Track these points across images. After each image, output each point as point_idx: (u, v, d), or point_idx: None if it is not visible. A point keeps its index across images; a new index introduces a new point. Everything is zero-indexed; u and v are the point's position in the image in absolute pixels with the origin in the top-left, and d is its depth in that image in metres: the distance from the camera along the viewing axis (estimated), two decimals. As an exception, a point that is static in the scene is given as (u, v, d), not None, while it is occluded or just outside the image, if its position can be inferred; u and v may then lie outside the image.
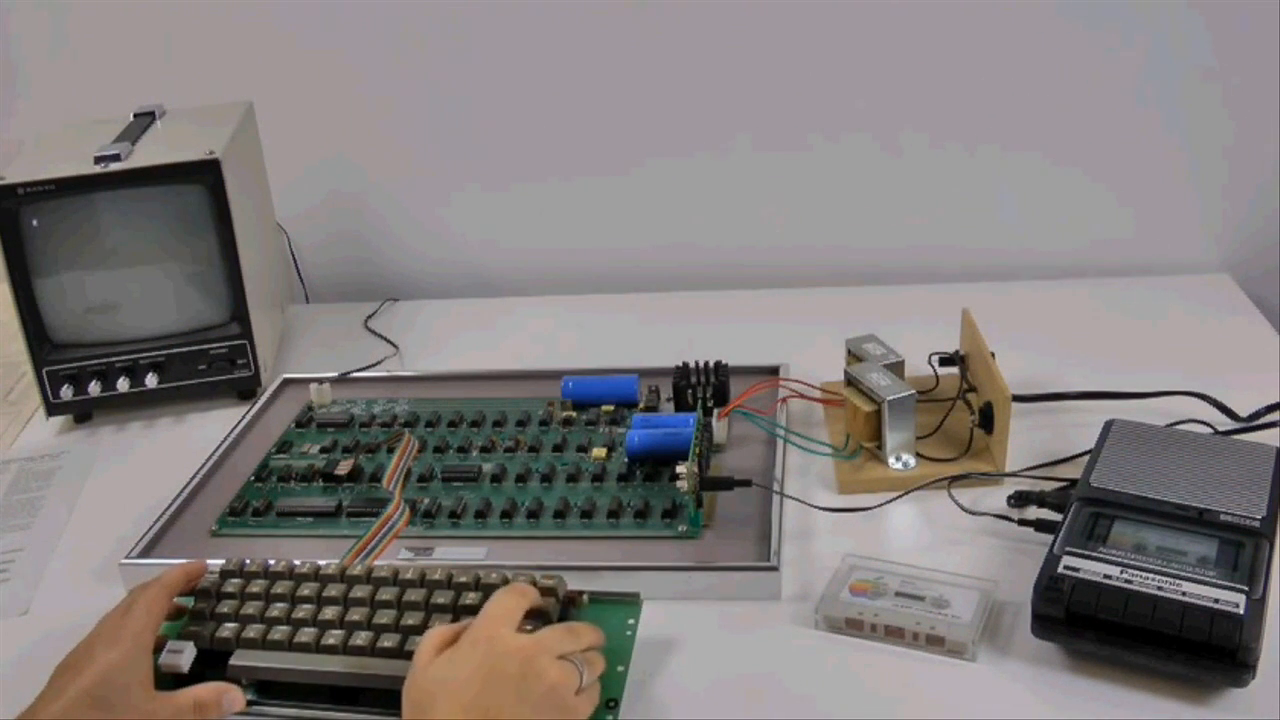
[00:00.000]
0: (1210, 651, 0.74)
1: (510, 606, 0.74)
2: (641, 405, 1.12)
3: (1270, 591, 0.77)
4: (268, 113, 1.32)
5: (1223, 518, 0.82)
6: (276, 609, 0.82)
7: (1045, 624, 0.79)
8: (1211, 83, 1.29)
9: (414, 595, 0.81)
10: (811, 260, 1.41)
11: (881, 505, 0.96)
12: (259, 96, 1.32)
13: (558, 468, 1.02)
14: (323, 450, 1.09)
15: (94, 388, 1.17)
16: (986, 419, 1.00)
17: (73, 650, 0.76)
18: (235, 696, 0.77)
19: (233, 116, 1.25)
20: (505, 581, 0.81)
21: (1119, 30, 1.28)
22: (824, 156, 1.37)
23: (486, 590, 0.80)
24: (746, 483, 0.95)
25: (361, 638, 0.79)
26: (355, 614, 0.80)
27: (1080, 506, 0.85)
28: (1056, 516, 0.87)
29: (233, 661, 0.80)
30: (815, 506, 0.95)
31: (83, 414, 1.21)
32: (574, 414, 1.11)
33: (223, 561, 0.86)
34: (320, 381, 1.18)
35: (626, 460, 1.02)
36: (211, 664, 0.81)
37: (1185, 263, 1.36)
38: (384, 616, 0.80)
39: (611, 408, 1.11)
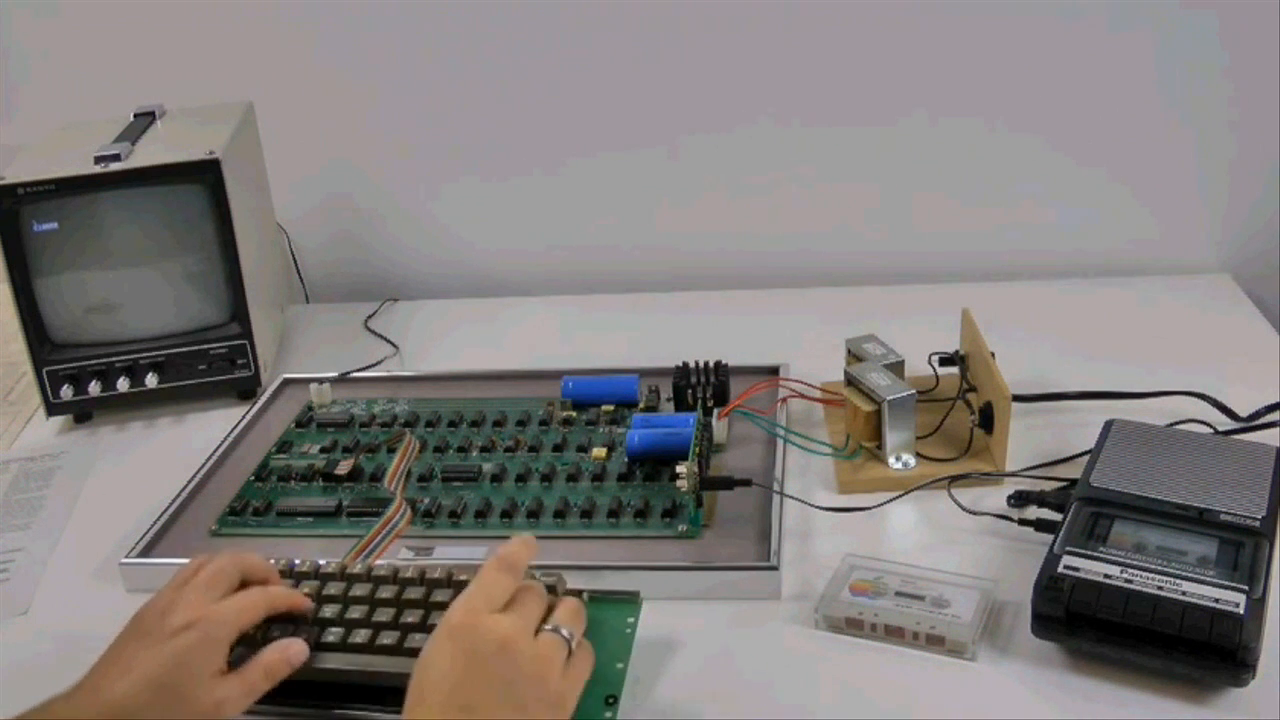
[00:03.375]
0: (1210, 651, 0.74)
1: (490, 585, 0.71)
2: (641, 405, 1.12)
3: (1270, 591, 0.77)
4: (268, 113, 1.32)
5: (1223, 518, 0.82)
6: (276, 608, 0.82)
7: (1045, 623, 0.79)
8: (1213, 83, 1.29)
9: (413, 594, 0.81)
10: (811, 260, 1.41)
11: (881, 505, 0.96)
12: (259, 96, 1.32)
13: (558, 468, 1.02)
14: (323, 450, 1.09)
15: (94, 388, 1.17)
16: (986, 419, 1.00)
17: (153, 601, 0.75)
18: (299, 648, 0.77)
19: (233, 116, 1.25)
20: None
21: (1122, 32, 1.28)
22: (824, 156, 1.37)
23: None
24: (746, 483, 0.95)
25: (361, 635, 0.79)
26: (354, 612, 0.80)
27: (1080, 506, 0.85)
28: (1056, 516, 0.87)
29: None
30: (815, 506, 0.95)
31: (83, 414, 1.21)
32: (574, 414, 1.11)
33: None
34: (320, 381, 1.18)
35: (626, 460, 1.02)
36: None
37: (1185, 263, 1.36)
38: (383, 614, 0.80)
39: (611, 408, 1.11)
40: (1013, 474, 0.98)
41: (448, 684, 0.66)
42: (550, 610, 0.73)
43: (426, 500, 0.99)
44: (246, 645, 0.77)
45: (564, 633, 0.71)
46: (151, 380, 1.19)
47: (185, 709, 0.71)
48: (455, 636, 0.68)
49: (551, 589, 0.80)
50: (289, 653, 0.76)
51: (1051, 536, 0.84)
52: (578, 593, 0.82)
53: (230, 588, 0.78)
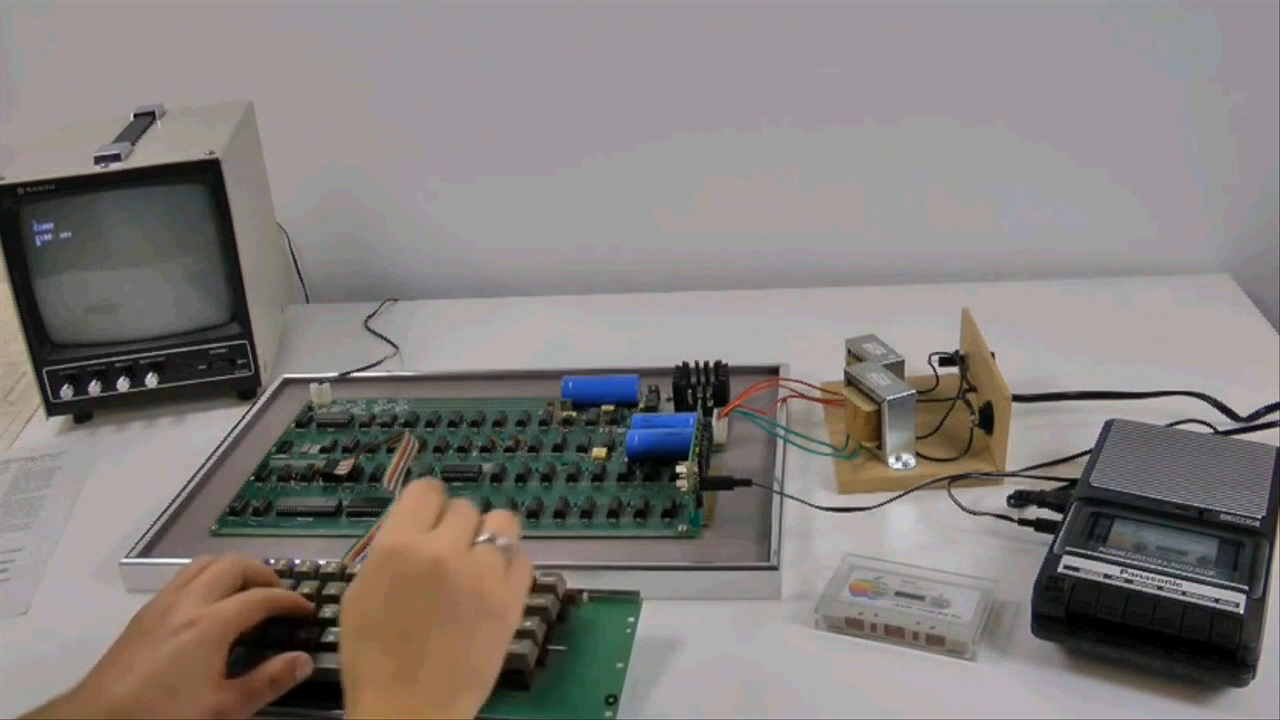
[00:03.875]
0: (1210, 651, 0.74)
1: (416, 504, 0.69)
2: (641, 405, 1.12)
3: (1270, 591, 0.77)
4: (268, 113, 1.32)
5: (1223, 518, 0.82)
6: (276, 608, 0.82)
7: (1045, 623, 0.79)
8: (1213, 83, 1.29)
9: (414, 595, 0.81)
10: (811, 260, 1.41)
11: (881, 505, 0.96)
12: (259, 96, 1.32)
13: (558, 468, 1.02)
14: (323, 450, 1.09)
15: (94, 388, 1.17)
16: (986, 419, 1.00)
17: (154, 602, 0.75)
18: (304, 662, 0.76)
19: (233, 116, 1.25)
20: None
21: (1123, 32, 1.28)
22: (824, 156, 1.37)
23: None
24: (746, 482, 0.95)
25: (361, 636, 0.79)
26: (355, 613, 0.80)
27: (1080, 506, 0.85)
28: (1056, 516, 0.87)
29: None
30: (815, 506, 0.95)
31: (83, 414, 1.21)
32: (574, 414, 1.11)
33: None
34: (320, 381, 1.18)
35: (626, 460, 1.02)
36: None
37: (1185, 263, 1.36)
38: (384, 616, 0.80)
39: (611, 408, 1.11)
40: (1013, 474, 0.98)
41: (383, 612, 0.65)
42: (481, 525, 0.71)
43: (426, 500, 0.99)
44: (247, 646, 0.77)
45: (500, 542, 0.69)
46: (151, 380, 1.19)
47: (185, 708, 0.71)
48: (387, 561, 0.66)
49: (551, 590, 0.80)
50: (295, 665, 0.76)
51: (1051, 536, 0.84)
52: (578, 592, 0.82)
53: (231, 589, 0.78)
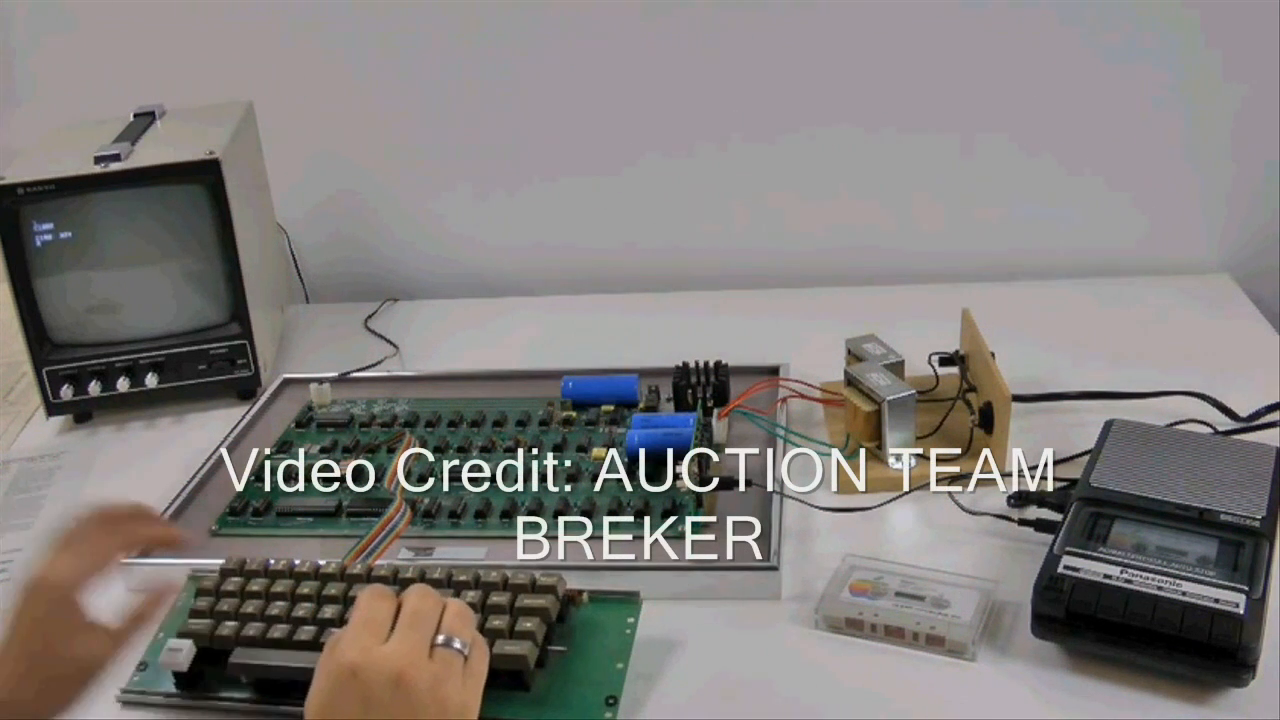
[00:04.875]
0: (1210, 651, 0.74)
1: (370, 614, 0.68)
2: (641, 405, 1.12)
3: (1270, 591, 0.77)
4: (268, 113, 1.32)
5: (1223, 518, 0.82)
6: (276, 607, 0.82)
7: (1045, 624, 0.79)
8: (1212, 83, 1.29)
9: (414, 595, 0.81)
10: (811, 260, 1.41)
11: (881, 505, 0.96)
12: (259, 96, 1.32)
13: (558, 468, 1.02)
14: (323, 450, 1.09)
15: (94, 388, 1.17)
16: (986, 419, 1.00)
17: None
18: (174, 587, 0.76)
19: (233, 116, 1.25)
20: (505, 581, 0.80)
21: (1121, 32, 1.28)
22: (824, 156, 1.37)
23: (486, 589, 0.80)
24: (747, 483, 0.95)
25: (361, 637, 0.79)
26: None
27: (1080, 506, 0.85)
28: (1056, 516, 0.87)
29: (232, 659, 0.80)
30: (815, 506, 0.95)
31: (83, 414, 1.21)
32: (574, 414, 1.11)
33: (222, 560, 0.87)
34: (320, 381, 1.18)
35: (626, 460, 1.02)
36: (211, 661, 0.81)
37: (1185, 263, 1.36)
38: (384, 616, 0.80)
39: (611, 408, 1.11)
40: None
41: None
42: (441, 614, 0.70)
43: (426, 500, 0.99)
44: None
45: (456, 645, 0.68)
46: (151, 380, 1.19)
47: (60, 667, 0.72)
48: (351, 680, 0.65)
49: (551, 590, 0.80)
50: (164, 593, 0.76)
51: (1051, 536, 0.84)
52: (578, 592, 0.82)
53: (81, 542, 0.77)
